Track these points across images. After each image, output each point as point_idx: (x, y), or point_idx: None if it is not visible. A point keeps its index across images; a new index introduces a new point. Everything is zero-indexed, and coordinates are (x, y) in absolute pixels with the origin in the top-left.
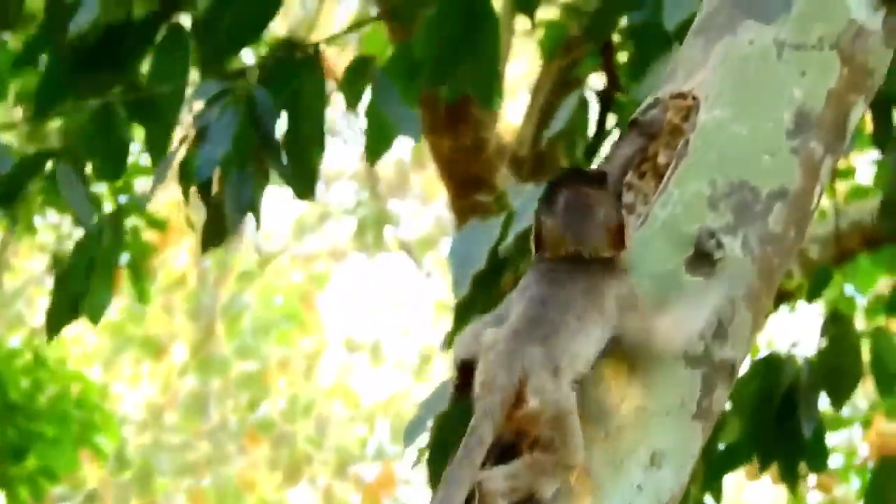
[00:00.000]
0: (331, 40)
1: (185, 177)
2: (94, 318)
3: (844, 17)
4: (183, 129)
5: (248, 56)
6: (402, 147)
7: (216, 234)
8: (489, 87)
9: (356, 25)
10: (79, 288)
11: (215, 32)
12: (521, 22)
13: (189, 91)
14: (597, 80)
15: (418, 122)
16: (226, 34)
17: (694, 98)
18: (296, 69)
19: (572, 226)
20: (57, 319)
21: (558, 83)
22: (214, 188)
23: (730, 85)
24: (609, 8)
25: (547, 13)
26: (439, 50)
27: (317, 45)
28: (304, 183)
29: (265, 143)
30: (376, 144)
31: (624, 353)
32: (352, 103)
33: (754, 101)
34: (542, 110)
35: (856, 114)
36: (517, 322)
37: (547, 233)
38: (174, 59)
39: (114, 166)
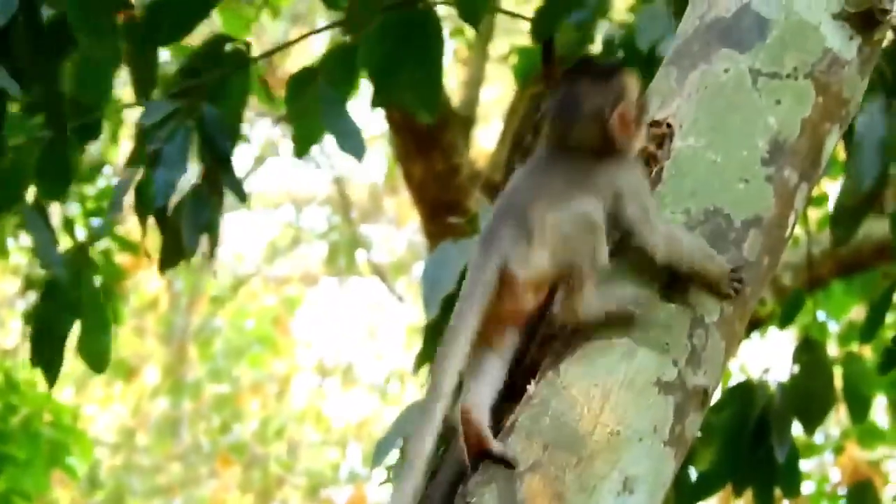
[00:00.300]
0: (275, 49)
1: (142, 202)
2: (99, 367)
3: (819, 46)
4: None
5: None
6: (375, 171)
7: (174, 254)
8: (429, 101)
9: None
10: (64, 330)
11: (149, 28)
12: (495, 47)
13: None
14: None
15: (362, 138)
16: (162, 28)
17: (668, 126)
18: (223, 62)
19: (562, 116)
20: (51, 363)
21: (532, 109)
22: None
23: (704, 113)
24: (552, 7)
25: (521, 39)
26: (380, 59)
27: (247, 42)
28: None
29: (218, 162)
30: (304, 140)
31: None
32: (295, 117)
33: (729, 130)
34: (516, 135)
35: (830, 142)
36: (496, 208)
37: (544, 121)
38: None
39: (59, 187)
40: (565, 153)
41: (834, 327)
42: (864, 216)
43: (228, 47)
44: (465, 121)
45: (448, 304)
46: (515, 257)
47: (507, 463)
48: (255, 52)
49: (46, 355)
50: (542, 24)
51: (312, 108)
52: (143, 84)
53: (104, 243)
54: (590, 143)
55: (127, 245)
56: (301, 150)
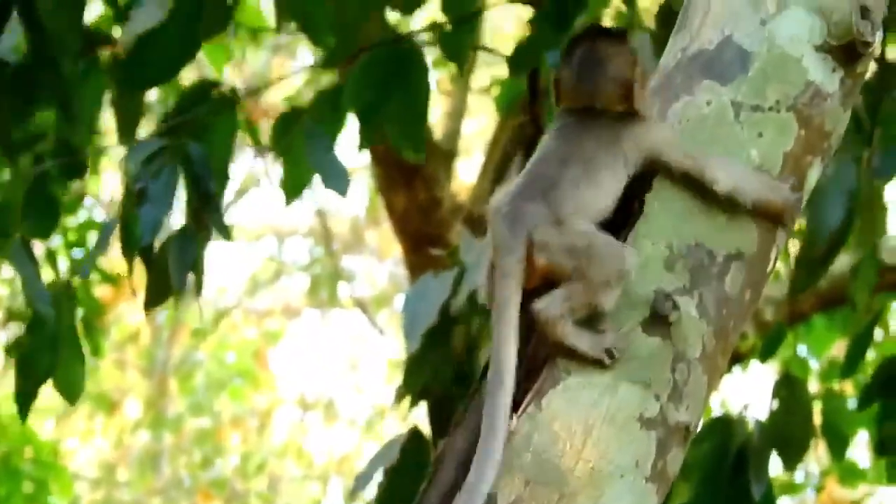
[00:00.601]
0: (260, 88)
1: (128, 240)
2: (72, 398)
3: (802, 78)
4: (119, 185)
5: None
6: (357, 203)
7: (160, 292)
8: (415, 138)
9: (293, 74)
10: (47, 366)
11: (135, 68)
12: (477, 79)
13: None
14: None
15: (346, 175)
16: (147, 70)
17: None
18: (211, 105)
19: (584, 78)
20: (26, 397)
21: (514, 141)
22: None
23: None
24: (530, 45)
25: (502, 71)
26: (367, 97)
27: (233, 87)
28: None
29: (204, 201)
30: (293, 185)
31: None
32: (281, 152)
33: None
34: (498, 167)
35: (812, 175)
36: (521, 180)
37: (563, 85)
38: (88, 94)
39: (46, 226)
40: (587, 119)
41: (815, 363)
42: (826, 267)
43: (215, 91)
44: (447, 153)
45: (429, 336)
46: (539, 240)
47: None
48: (236, 80)
49: (27, 389)
50: (520, 61)
51: (298, 145)
52: (127, 124)
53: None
54: (615, 104)
55: (107, 277)
56: (291, 194)
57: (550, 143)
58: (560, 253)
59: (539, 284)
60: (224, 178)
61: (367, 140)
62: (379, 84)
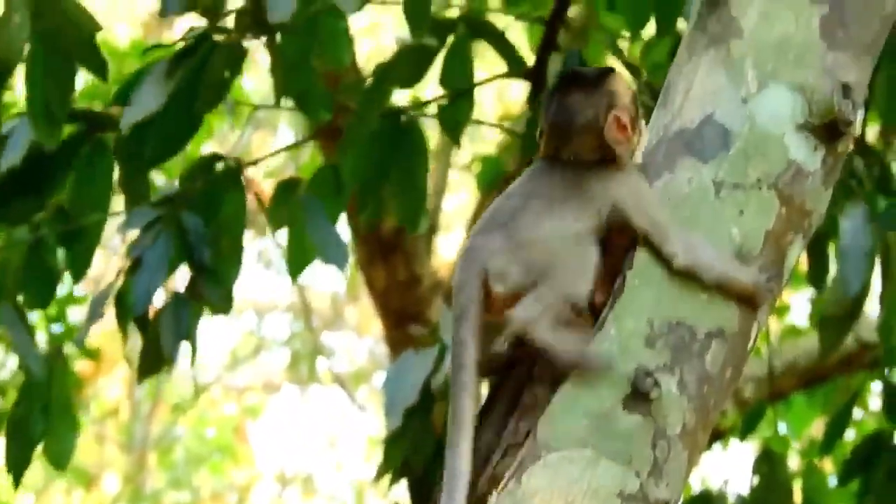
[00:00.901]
0: (257, 161)
1: (122, 309)
2: (61, 465)
3: (783, 156)
4: (116, 257)
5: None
6: (337, 280)
7: (153, 362)
8: (415, 212)
9: (289, 147)
10: (40, 432)
11: (138, 148)
12: (459, 155)
13: (118, 217)
14: None
15: (345, 249)
16: (149, 150)
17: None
18: (217, 184)
19: (556, 129)
20: (18, 464)
21: None
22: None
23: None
24: (534, 126)
25: (484, 147)
26: (367, 172)
27: (237, 159)
28: (220, 299)
29: (198, 271)
30: (298, 261)
31: None
32: (277, 225)
33: None
34: None
35: (793, 254)
36: (483, 217)
37: (541, 135)
38: (97, 176)
39: (43, 295)
40: (560, 164)
41: (796, 442)
42: (851, 324)
43: (220, 164)
44: (428, 229)
45: (410, 414)
46: (494, 271)
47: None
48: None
49: (19, 456)
50: (526, 145)
51: (299, 219)
52: (135, 202)
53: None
54: (587, 154)
55: (88, 352)
56: (296, 269)
57: (518, 182)
58: (517, 274)
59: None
60: (237, 253)
61: (366, 215)
62: (378, 159)
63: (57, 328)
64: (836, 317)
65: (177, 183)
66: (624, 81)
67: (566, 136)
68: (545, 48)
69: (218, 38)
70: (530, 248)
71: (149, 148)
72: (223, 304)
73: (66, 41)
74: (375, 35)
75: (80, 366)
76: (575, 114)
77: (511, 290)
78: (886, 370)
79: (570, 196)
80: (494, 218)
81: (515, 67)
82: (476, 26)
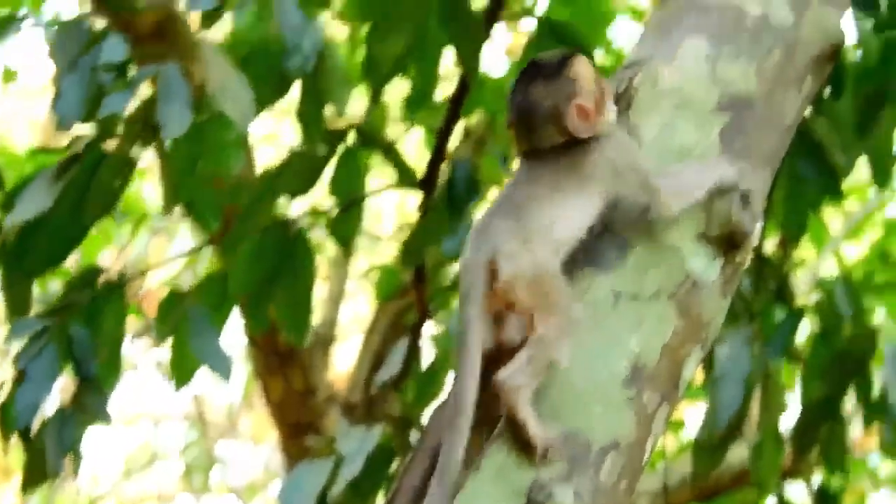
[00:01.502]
0: (147, 271)
1: (5, 421)
2: None
3: (681, 268)
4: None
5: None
6: (233, 389)
7: (38, 475)
8: (302, 324)
9: (181, 256)
10: None
11: (22, 256)
12: (355, 265)
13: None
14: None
15: (229, 360)
16: (33, 258)
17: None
18: (99, 296)
19: (522, 125)
20: None
21: (391, 328)
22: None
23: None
24: (422, 235)
25: (381, 257)
26: (254, 282)
27: (120, 272)
28: (102, 410)
29: (83, 383)
30: (182, 371)
31: None
32: (164, 336)
33: (590, 351)
34: (375, 355)
35: (690, 366)
36: (496, 201)
37: (511, 132)
38: None
39: None
40: (544, 154)
41: None
42: (725, 450)
43: (102, 276)
44: (324, 339)
45: None
46: (504, 250)
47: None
48: (116, 263)
49: None
50: (412, 254)
51: (183, 330)
52: (17, 310)
53: None
54: (557, 139)
55: None
56: (180, 380)
57: (519, 172)
58: (522, 277)
59: (500, 312)
60: (116, 363)
61: (253, 325)
62: (265, 269)
63: None
64: (709, 443)
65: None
66: (587, 64)
67: (530, 130)
68: (436, 158)
69: (109, 144)
70: (537, 258)
71: (33, 256)
72: (105, 416)
73: None
74: (275, 144)
75: None
76: (536, 106)
77: (513, 282)
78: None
79: (571, 177)
80: (506, 200)
81: (406, 177)
82: (367, 136)
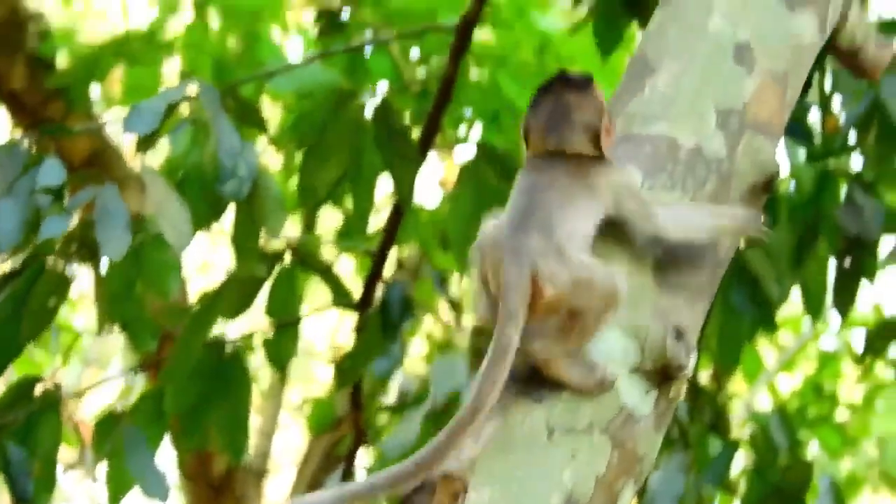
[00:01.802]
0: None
1: None
2: None
3: (615, 401)
4: None
5: None
6: None
7: None
8: (239, 441)
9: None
10: None
11: None
12: (289, 395)
13: None
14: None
15: (165, 481)
16: None
17: (463, 481)
18: (35, 409)
19: (553, 126)
20: None
21: (325, 458)
22: None
23: (500, 466)
24: (356, 355)
25: (316, 388)
26: (189, 401)
27: (56, 383)
28: None
29: (22, 502)
30: (116, 492)
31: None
32: (100, 457)
33: (523, 484)
34: (309, 486)
35: (624, 499)
36: (512, 215)
37: (532, 133)
38: None
39: None
40: (555, 159)
41: None
42: None
43: (39, 389)
44: (257, 472)
45: None
46: (546, 271)
47: None
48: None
49: None
50: (346, 374)
51: (119, 450)
52: None
53: None
54: (584, 148)
55: None
56: (114, 499)
57: (525, 179)
58: (566, 284)
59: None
60: (50, 479)
61: (187, 443)
62: (201, 387)
63: None
64: None
65: None
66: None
67: (560, 132)
68: (372, 280)
69: (46, 262)
70: (572, 260)
71: None
72: None
73: None
74: (209, 272)
75: None
76: (573, 112)
77: (559, 295)
78: None
79: (577, 187)
80: (524, 214)
81: (342, 298)
82: (303, 258)
